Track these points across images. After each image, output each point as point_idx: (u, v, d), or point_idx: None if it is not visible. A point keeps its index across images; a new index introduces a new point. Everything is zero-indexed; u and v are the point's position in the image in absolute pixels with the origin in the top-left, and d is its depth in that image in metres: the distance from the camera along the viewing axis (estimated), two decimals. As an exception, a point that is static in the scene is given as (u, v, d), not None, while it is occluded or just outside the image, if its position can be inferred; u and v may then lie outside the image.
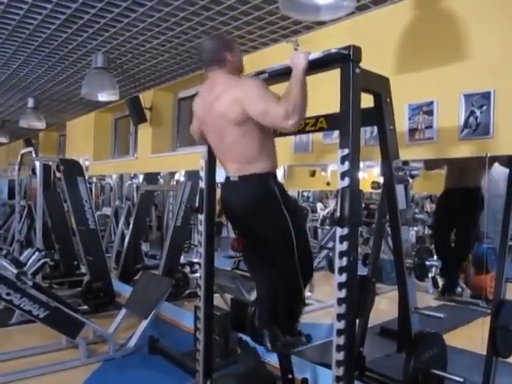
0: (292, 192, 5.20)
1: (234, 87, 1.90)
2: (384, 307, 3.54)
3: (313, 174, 4.30)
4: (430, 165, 3.17)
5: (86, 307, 4.28)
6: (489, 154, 2.27)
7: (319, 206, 5.55)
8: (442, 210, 3.58)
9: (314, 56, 1.79)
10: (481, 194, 3.01)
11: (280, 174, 3.86)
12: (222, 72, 1.96)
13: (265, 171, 1.93)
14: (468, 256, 3.19)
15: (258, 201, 1.93)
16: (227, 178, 2.05)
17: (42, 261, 3.54)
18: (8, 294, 2.98)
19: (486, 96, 2.26)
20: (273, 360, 2.74)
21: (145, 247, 5.98)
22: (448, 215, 3.36)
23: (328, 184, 4.26)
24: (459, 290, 3.26)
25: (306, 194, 5.64)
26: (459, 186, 3.17)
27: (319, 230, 5.35)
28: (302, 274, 1.97)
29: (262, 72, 2.06)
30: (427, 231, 4.21)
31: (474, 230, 3.09)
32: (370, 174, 3.62)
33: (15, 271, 3.06)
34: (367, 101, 1.93)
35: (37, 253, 3.57)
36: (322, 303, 4.30)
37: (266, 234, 1.97)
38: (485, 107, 2.26)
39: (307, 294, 4.61)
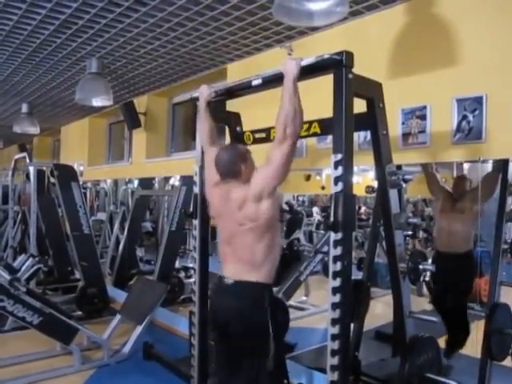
0: (287, 196, 5.21)
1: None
2: (379, 311, 3.55)
3: (308, 178, 4.31)
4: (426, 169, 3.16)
5: (80, 313, 4.26)
6: (482, 158, 2.28)
7: (315, 209, 5.56)
8: (437, 276, 3.40)
9: (306, 61, 1.80)
10: (472, 257, 2.97)
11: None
12: (237, 183, 1.93)
13: (262, 282, 1.85)
14: (466, 316, 3.10)
15: (246, 312, 1.84)
16: (220, 279, 1.94)
17: (35, 267, 3.53)
18: (1, 301, 2.96)
19: (478, 100, 2.28)
20: (268, 365, 2.73)
21: (140, 252, 5.96)
22: (443, 281, 3.21)
23: (323, 188, 4.26)
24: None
25: (301, 198, 5.65)
26: (450, 251, 3.05)
27: (314, 234, 5.35)
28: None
29: (256, 78, 2.07)
30: (422, 234, 4.22)
31: (469, 292, 2.96)
32: (365, 178, 3.63)
33: (8, 277, 3.04)
34: (360, 106, 1.94)
35: (30, 259, 3.56)
36: (317, 308, 4.31)
37: (247, 342, 1.87)
38: (477, 111, 2.28)
39: (303, 298, 4.62)
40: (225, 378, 1.99)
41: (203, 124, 2.24)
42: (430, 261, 2.19)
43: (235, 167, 1.92)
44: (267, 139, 2.57)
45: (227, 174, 1.95)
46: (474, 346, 2.30)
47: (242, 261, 1.87)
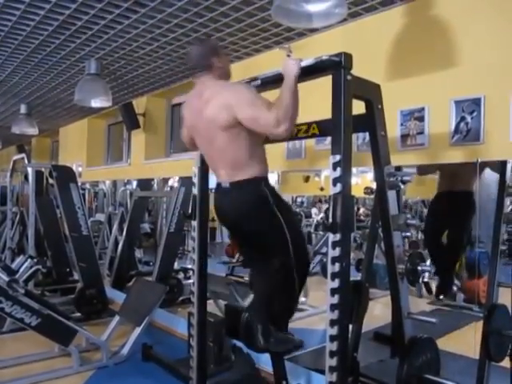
0: (286, 197, 5.21)
1: (223, 92, 1.90)
2: (378, 312, 3.54)
3: (306, 179, 4.32)
4: (422, 170, 3.20)
5: (78, 314, 4.25)
6: (480, 160, 2.29)
7: (313, 210, 5.56)
8: (433, 212, 3.61)
9: (305, 63, 1.80)
10: (472, 197, 3.04)
11: (274, 179, 3.88)
12: (210, 77, 1.96)
13: (256, 176, 1.92)
14: (460, 257, 3.20)
15: (250, 206, 1.92)
16: (218, 185, 2.04)
17: (34, 268, 3.53)
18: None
19: (476, 102, 2.28)
20: (267, 366, 2.73)
21: (138, 253, 5.95)
22: (439, 217, 3.39)
23: (322, 189, 4.27)
24: (454, 289, 3.27)
25: (300, 199, 5.66)
26: (451, 190, 3.20)
27: (313, 235, 5.35)
28: (298, 273, 1.97)
29: (255, 79, 2.08)
30: (420, 236, 4.23)
31: (465, 231, 3.11)
32: (364, 179, 3.64)
33: (7, 279, 3.04)
34: (359, 107, 1.95)
35: (29, 260, 3.56)
36: (316, 309, 4.30)
37: (261, 237, 1.96)
38: (475, 113, 2.28)
39: (302, 299, 4.62)
40: (255, 276, 2.14)
41: None
42: (428, 262, 2.20)
43: (206, 60, 1.92)
44: (266, 140, 2.56)
45: (198, 68, 1.95)
46: (472, 347, 2.30)
47: (229, 163, 1.93)
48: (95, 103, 4.09)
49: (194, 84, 2.06)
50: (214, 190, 2.14)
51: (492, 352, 2.23)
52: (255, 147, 1.94)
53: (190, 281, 4.43)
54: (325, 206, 5.19)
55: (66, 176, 4.57)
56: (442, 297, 3.33)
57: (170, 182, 5.63)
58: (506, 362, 2.31)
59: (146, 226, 6.29)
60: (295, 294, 2.00)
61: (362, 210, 4.70)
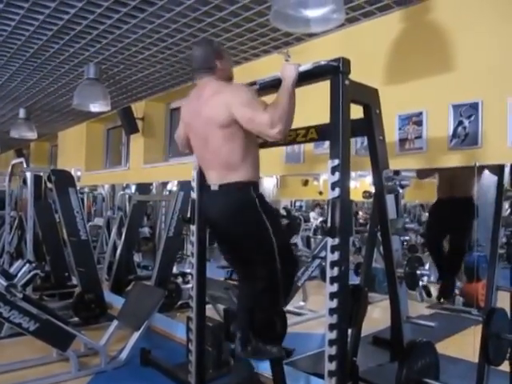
0: (285, 201, 5.21)
1: (222, 92, 1.91)
2: (377, 316, 3.54)
3: (305, 183, 4.32)
4: (423, 174, 3.20)
5: (77, 319, 4.24)
6: (478, 164, 2.30)
7: (312, 215, 5.56)
8: (434, 218, 3.61)
9: (304, 68, 1.81)
10: (472, 203, 3.03)
11: (272, 183, 3.88)
12: (211, 79, 1.97)
13: (246, 180, 1.91)
14: (461, 261, 3.21)
15: (237, 210, 1.91)
16: (208, 188, 2.03)
17: (32, 272, 3.51)
18: (-3, 307, 2.94)
19: (474, 106, 2.29)
20: (266, 371, 2.72)
21: (137, 258, 5.94)
22: (441, 223, 3.40)
23: (320, 193, 4.27)
24: (456, 292, 3.28)
25: (298, 203, 5.66)
26: (451, 196, 3.21)
27: (312, 240, 5.35)
28: (285, 279, 1.95)
29: (253, 83, 2.08)
30: (419, 240, 4.23)
31: (466, 237, 3.12)
32: (363, 183, 3.64)
33: (5, 283, 3.03)
34: (357, 111, 1.95)
35: (27, 264, 3.54)
36: (315, 313, 4.30)
37: (247, 241, 1.95)
38: (473, 117, 2.29)
39: (301, 303, 4.61)
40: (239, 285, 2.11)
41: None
42: (427, 266, 2.21)
43: (208, 62, 1.92)
44: (264, 144, 2.57)
45: (200, 69, 1.95)
46: (471, 351, 2.30)
47: (220, 165, 1.93)
48: (94, 107, 4.09)
49: (195, 85, 2.07)
50: (203, 196, 2.15)
51: (491, 356, 2.23)
52: (249, 150, 1.94)
53: (189, 285, 4.42)
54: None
55: (64, 180, 4.57)
56: (442, 300, 3.33)
57: (169, 186, 5.63)
58: (505, 366, 2.32)
59: (146, 231, 6.28)
60: (278, 304, 1.98)
61: (360, 214, 4.70)
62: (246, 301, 2.04)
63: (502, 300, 2.40)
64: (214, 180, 1.98)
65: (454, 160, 2.42)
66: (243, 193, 1.90)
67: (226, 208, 1.93)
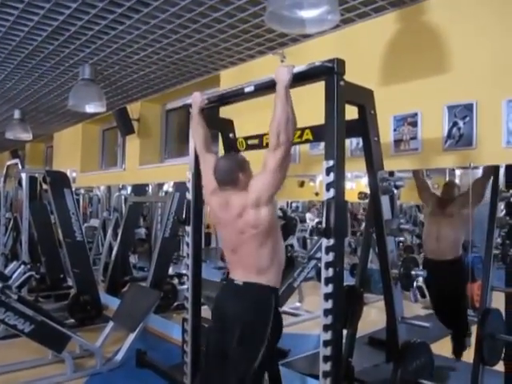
0: (281, 202, 5.22)
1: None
2: (373, 317, 3.55)
3: (301, 184, 4.33)
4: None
5: (72, 321, 4.23)
6: (472, 165, 2.31)
7: (308, 215, 5.57)
8: (430, 285, 3.38)
9: (298, 69, 1.81)
10: (462, 264, 2.98)
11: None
12: (235, 191, 1.96)
13: (270, 285, 1.92)
14: (467, 317, 3.07)
15: (254, 309, 1.90)
16: (230, 281, 2.01)
17: (27, 274, 3.51)
18: (-8, 309, 2.93)
19: (468, 107, 2.30)
20: (261, 372, 2.71)
21: (133, 259, 5.93)
22: (437, 289, 3.22)
23: (317, 194, 4.28)
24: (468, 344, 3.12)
25: (294, 204, 5.66)
26: (439, 259, 3.07)
27: (308, 241, 5.36)
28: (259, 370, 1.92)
29: (248, 84, 2.08)
30: (415, 240, 4.24)
31: (464, 299, 2.95)
32: (358, 184, 3.65)
33: (0, 285, 3.02)
34: (352, 112, 1.96)
35: (22, 266, 3.54)
36: (311, 314, 4.30)
37: (247, 333, 1.89)
38: (467, 118, 2.30)
39: (297, 304, 4.62)
40: (211, 371, 2.02)
41: (197, 132, 2.26)
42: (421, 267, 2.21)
43: (234, 175, 1.96)
44: (260, 146, 2.58)
45: (225, 182, 1.99)
46: (466, 352, 2.31)
47: (248, 267, 1.94)
48: (89, 108, 4.08)
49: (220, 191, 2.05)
50: (222, 286, 2.12)
51: (486, 356, 2.24)
52: (278, 252, 1.95)
53: (185, 286, 4.42)
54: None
55: (60, 181, 4.56)
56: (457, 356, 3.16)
57: (165, 188, 5.62)
58: (500, 366, 2.32)
59: (142, 232, 6.28)
60: None
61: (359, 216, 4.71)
62: None
63: (496, 300, 2.41)
64: (239, 277, 1.97)
65: (448, 161, 2.43)
66: (265, 298, 1.90)
67: (245, 304, 1.92)
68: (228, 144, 2.62)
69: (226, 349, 1.92)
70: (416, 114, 2.53)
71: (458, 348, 2.93)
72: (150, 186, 5.81)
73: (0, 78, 4.30)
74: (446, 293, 3.00)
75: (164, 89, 4.60)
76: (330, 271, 1.68)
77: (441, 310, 3.17)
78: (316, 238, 5.00)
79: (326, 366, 1.68)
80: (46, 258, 5.09)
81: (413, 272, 1.97)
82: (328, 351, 1.67)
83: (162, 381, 3.02)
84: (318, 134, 2.27)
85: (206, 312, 3.07)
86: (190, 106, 2.29)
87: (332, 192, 1.68)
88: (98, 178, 6.37)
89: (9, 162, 5.61)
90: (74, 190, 4.75)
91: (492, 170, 2.52)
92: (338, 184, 1.69)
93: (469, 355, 2.29)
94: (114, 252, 5.34)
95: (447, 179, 3.27)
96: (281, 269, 1.98)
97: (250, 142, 2.68)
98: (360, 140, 2.49)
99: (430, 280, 3.03)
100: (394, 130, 2.62)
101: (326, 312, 1.68)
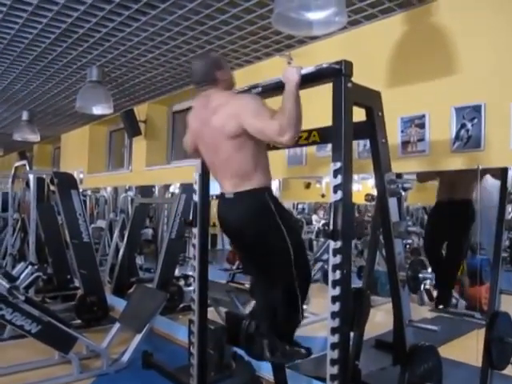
0: (287, 204, 5.20)
1: (230, 102, 1.93)
2: (380, 319, 3.52)
3: (308, 186, 4.32)
4: (422, 177, 3.19)
5: (79, 321, 4.23)
6: (480, 167, 2.29)
7: (314, 217, 5.55)
8: (433, 222, 3.58)
9: (306, 71, 1.81)
10: (472, 206, 3.02)
11: (275, 186, 3.88)
12: (215, 90, 1.99)
13: (260, 186, 1.94)
14: (459, 268, 3.18)
15: (253, 216, 1.94)
16: (222, 195, 2.05)
17: (34, 275, 3.52)
18: (0, 309, 2.94)
19: (476, 109, 2.29)
20: (268, 374, 2.71)
21: (139, 260, 5.94)
22: (439, 227, 3.36)
23: (323, 196, 4.27)
24: (454, 301, 3.25)
25: (301, 206, 5.64)
26: (450, 199, 3.18)
27: (314, 243, 5.34)
28: (300, 285, 1.97)
29: (256, 86, 2.08)
30: (422, 243, 4.21)
31: (465, 242, 3.08)
32: (365, 186, 3.63)
33: (7, 285, 3.03)
34: (360, 114, 1.95)
35: (30, 266, 3.55)
36: (318, 316, 4.28)
37: (264, 248, 1.97)
38: (476, 120, 2.29)
39: (303, 306, 4.60)
40: (257, 289, 2.17)
41: None
42: (429, 269, 2.20)
43: (210, 75, 1.95)
44: (267, 147, 2.57)
45: (202, 82, 1.98)
46: (474, 355, 2.29)
47: (234, 173, 1.95)
48: (96, 110, 4.10)
49: (198, 93, 2.08)
50: (217, 200, 2.14)
51: (494, 360, 2.22)
52: (260, 156, 1.96)
53: (191, 288, 4.42)
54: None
55: (67, 183, 4.57)
56: (441, 306, 3.31)
57: (171, 189, 5.63)
58: (508, 370, 2.30)
59: (148, 233, 6.28)
60: (298, 305, 2.00)
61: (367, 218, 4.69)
62: (267, 308, 2.07)
63: (505, 303, 2.38)
64: (229, 188, 2.00)
65: (456, 163, 2.41)
66: (258, 199, 1.93)
67: (242, 215, 1.95)
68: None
69: (260, 269, 2.01)
70: (423, 116, 2.51)
71: (444, 297, 2.98)
72: (157, 188, 5.82)
73: (9, 80, 4.34)
74: (451, 232, 3.06)
75: (171, 91, 4.62)
76: (338, 273, 1.67)
77: (438, 251, 3.24)
78: (322, 239, 4.98)
79: (333, 369, 1.67)
80: (53, 258, 5.11)
81: (420, 275, 1.96)
82: (335, 354, 1.66)
83: (169, 382, 3.02)
84: (325, 135, 2.26)
85: (212, 314, 3.07)
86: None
87: (339, 194, 1.67)
88: (104, 179, 6.40)
89: (17, 164, 5.65)
90: (80, 191, 4.77)
91: (499, 172, 2.50)
92: (345, 186, 1.68)
93: (477, 359, 2.27)
94: (121, 253, 5.34)
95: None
96: (267, 171, 1.99)
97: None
98: (367, 142, 2.48)
99: (437, 218, 3.23)
100: (402, 131, 2.61)
101: (334, 315, 1.67)
